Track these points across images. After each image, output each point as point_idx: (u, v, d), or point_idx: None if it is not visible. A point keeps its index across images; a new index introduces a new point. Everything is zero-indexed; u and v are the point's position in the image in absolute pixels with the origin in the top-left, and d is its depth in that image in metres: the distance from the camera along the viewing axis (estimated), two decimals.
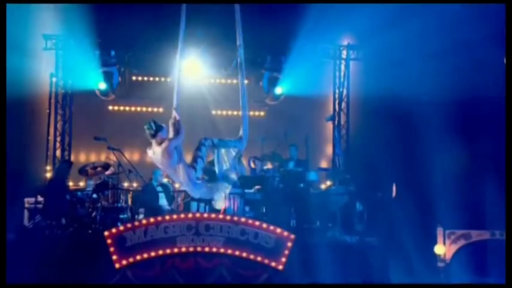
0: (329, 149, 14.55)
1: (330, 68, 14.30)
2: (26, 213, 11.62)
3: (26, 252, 9.67)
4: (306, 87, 13.38)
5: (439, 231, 10.57)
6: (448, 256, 10.47)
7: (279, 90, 13.96)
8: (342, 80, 14.21)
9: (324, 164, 14.42)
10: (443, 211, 10.60)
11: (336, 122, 14.20)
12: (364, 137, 13.20)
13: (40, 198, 11.42)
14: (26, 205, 11.68)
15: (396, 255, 10.04)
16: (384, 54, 11.80)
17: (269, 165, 12.31)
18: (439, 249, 10.49)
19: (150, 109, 14.98)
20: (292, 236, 10.09)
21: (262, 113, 15.34)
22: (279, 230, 10.10)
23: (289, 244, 10.05)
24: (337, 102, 14.31)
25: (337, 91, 14.30)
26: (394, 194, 11.34)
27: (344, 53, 14.13)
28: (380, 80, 11.71)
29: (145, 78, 14.85)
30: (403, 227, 10.16)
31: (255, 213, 11.64)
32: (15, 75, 10.63)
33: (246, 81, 14.87)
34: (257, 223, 10.09)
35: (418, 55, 11.25)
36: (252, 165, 12.42)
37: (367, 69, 13.41)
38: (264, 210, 11.65)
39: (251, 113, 15.76)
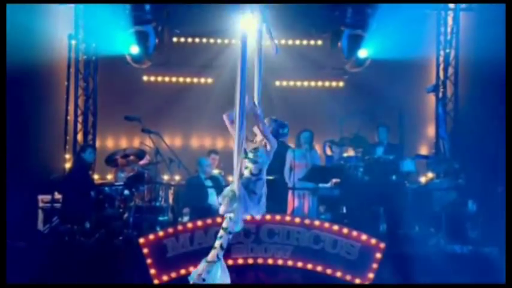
0: (430, 130, 14.39)
1: (433, 22, 14.08)
2: (40, 215, 11.86)
3: (40, 264, 9.85)
4: (399, 48, 13.15)
5: None
6: None
7: (363, 53, 13.80)
8: (448, 37, 13.96)
9: (423, 150, 14.26)
10: None
11: (440, 94, 13.97)
12: (478, 113, 12.90)
13: (58, 196, 11.61)
14: (40, 204, 11.92)
15: None
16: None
17: (350, 152, 12.21)
18: None
19: (196, 80, 15.04)
20: (382, 245, 9.99)
21: (340, 84, 15.21)
22: (364, 237, 10.01)
23: (378, 255, 9.95)
24: (441, 67, 14.09)
25: (441, 53, 14.08)
26: None
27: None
28: (501, 38, 11.35)
29: (190, 40, 14.87)
30: None
31: (333, 214, 11.60)
32: (24, 38, 10.78)
33: (319, 42, 15.00)
34: (335, 227, 10.02)
35: None
36: (328, 151, 12.35)
37: (483, 23, 13.04)
38: (345, 210, 11.60)
39: (326, 83, 15.84)
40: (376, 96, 13.70)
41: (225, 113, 6.96)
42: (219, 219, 10.10)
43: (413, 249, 10.44)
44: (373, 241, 10.00)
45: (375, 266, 9.93)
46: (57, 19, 13.16)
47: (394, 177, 11.53)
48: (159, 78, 15.12)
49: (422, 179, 13.33)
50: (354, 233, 10.01)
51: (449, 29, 13.95)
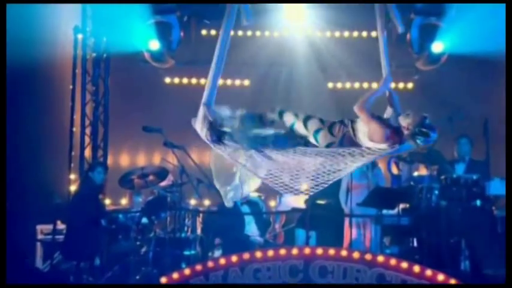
0: None
1: None
2: (38, 249, 11.96)
3: None
4: (483, 41, 13.06)
5: None
6: None
7: (438, 46, 13.76)
8: None
9: None
10: None
11: None
12: None
13: (61, 226, 11.70)
14: (39, 236, 12.04)
15: None
16: None
17: (422, 170, 12.14)
18: None
19: (229, 82, 15.07)
20: None
21: (409, 85, 15.16)
22: (441, 277, 9.92)
23: None
24: None
25: None
26: None
27: None
28: None
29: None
30: None
31: (401, 248, 11.62)
32: (19, 31, 10.89)
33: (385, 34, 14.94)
34: (404, 265, 9.93)
35: None
36: (395, 169, 12.29)
37: None
38: (415, 243, 11.52)
39: (392, 85, 15.64)
40: (455, 100, 13.60)
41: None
42: (258, 254, 10.12)
43: None
44: (453, 282, 9.92)
45: None
46: (60, 8, 13.25)
47: (478, 201, 11.40)
48: (185, 80, 15.21)
49: None
50: (428, 272, 9.91)
51: None
